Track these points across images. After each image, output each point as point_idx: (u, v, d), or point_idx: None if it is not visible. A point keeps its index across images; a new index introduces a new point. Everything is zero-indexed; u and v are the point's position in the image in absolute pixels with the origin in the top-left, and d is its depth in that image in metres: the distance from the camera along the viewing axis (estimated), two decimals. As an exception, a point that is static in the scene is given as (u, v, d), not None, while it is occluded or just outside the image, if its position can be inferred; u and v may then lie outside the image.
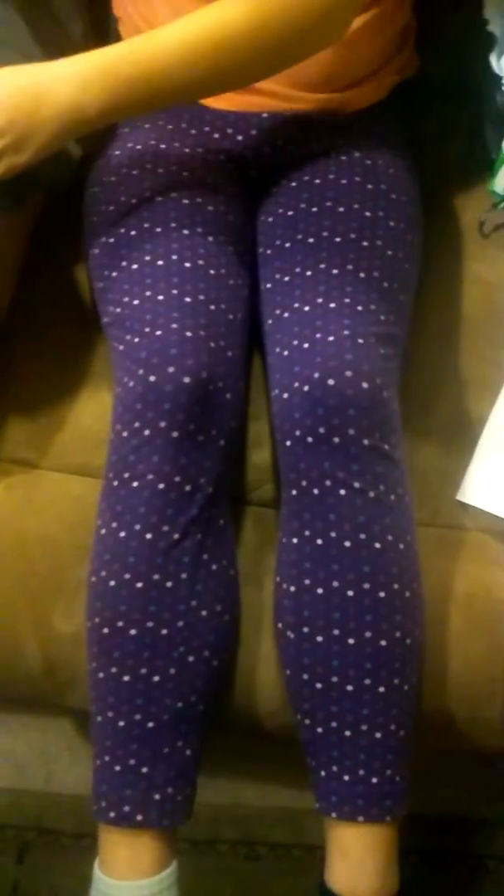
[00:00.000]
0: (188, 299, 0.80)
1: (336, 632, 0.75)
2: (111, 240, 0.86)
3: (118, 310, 0.82)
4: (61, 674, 0.82)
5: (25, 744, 1.23)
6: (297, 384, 0.77)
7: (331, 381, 0.75)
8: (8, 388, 0.90)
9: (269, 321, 0.85)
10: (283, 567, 0.78)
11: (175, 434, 0.76)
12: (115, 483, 0.77)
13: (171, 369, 0.76)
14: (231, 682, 0.82)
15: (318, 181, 0.90)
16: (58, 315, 0.95)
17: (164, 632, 0.75)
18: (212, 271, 0.84)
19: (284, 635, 0.78)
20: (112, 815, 0.75)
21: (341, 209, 0.87)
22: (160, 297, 0.80)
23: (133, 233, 0.85)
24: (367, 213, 0.87)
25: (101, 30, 0.99)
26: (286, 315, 0.83)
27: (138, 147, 0.90)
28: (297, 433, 0.77)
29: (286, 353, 0.81)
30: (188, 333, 0.78)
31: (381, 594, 0.75)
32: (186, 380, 0.76)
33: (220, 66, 0.77)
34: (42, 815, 1.10)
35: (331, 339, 0.78)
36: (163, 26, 0.77)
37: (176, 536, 0.76)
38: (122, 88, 0.75)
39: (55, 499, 0.86)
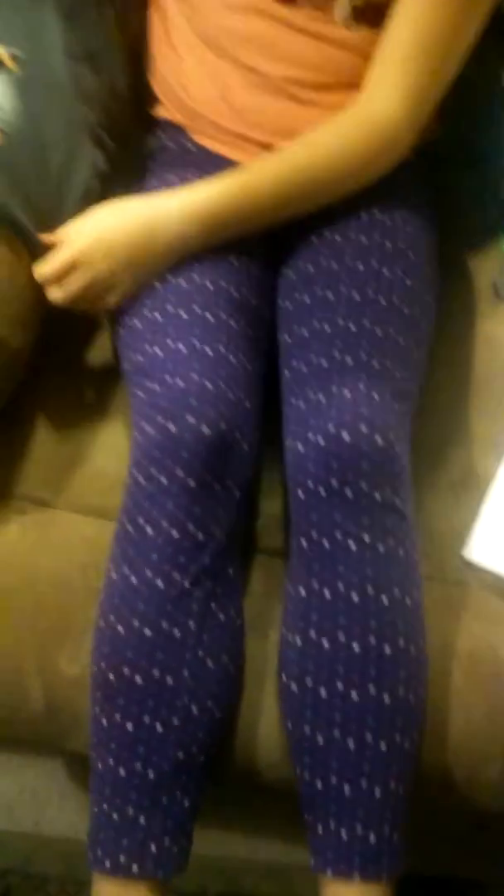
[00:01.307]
0: (209, 351, 0.81)
1: (340, 686, 0.74)
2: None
3: (140, 358, 0.84)
4: (63, 717, 0.82)
5: (15, 784, 1.22)
6: (311, 436, 0.78)
7: (346, 436, 0.76)
8: (27, 425, 0.91)
9: (287, 373, 0.87)
10: (290, 618, 0.79)
11: (191, 483, 0.76)
12: (129, 528, 0.78)
13: (190, 419, 0.77)
14: (232, 733, 0.81)
15: (338, 238, 0.92)
16: (77, 355, 0.97)
17: (170, 681, 0.75)
18: (232, 323, 0.85)
19: (288, 687, 0.78)
20: (108, 864, 0.74)
21: (361, 268, 0.88)
22: (182, 349, 0.81)
23: (157, 283, 0.87)
24: (386, 272, 0.89)
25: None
26: (304, 368, 0.84)
27: None
28: (310, 485, 0.77)
29: (302, 405, 0.82)
30: (209, 385, 0.79)
31: (387, 649, 0.75)
32: (205, 430, 0.77)
33: (306, 201, 0.90)
34: (29, 858, 1.09)
35: (347, 394, 0.79)
36: (258, 166, 0.88)
37: (186, 585, 0.76)
38: (221, 225, 0.88)
39: (69, 539, 0.87)
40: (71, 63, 0.90)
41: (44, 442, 0.92)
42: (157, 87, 1.02)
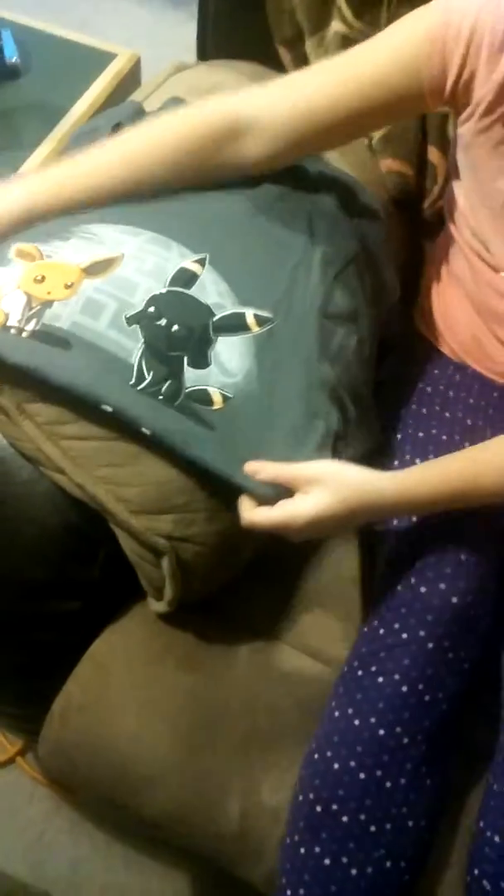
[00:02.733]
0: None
1: None
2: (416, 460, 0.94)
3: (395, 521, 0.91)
4: (251, 843, 0.85)
5: (139, 886, 1.25)
6: None
7: None
8: (271, 559, 0.97)
9: None
10: (491, 814, 0.80)
11: (430, 645, 0.81)
12: (360, 673, 0.82)
13: (441, 586, 0.82)
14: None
15: None
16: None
17: (373, 828, 0.77)
18: None
19: (479, 883, 0.78)
20: None
21: None
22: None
23: None
24: None
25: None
26: None
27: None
28: None
29: None
30: (462, 557, 0.85)
31: None
32: (454, 599, 0.82)
33: None
34: None
35: None
36: (473, 458, 0.84)
37: (405, 741, 0.79)
38: (431, 508, 0.85)
39: (289, 674, 0.92)
40: (324, 322, 0.91)
41: (281, 579, 0.99)
42: (425, 319, 1.12)
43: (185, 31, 1.40)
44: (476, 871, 0.79)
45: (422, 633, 0.81)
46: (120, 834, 1.29)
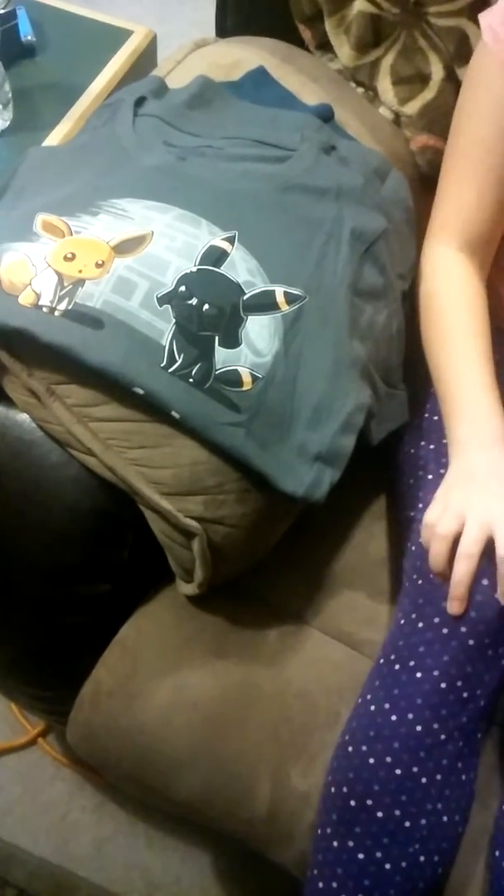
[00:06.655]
0: None
1: None
2: (444, 441, 0.93)
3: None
4: (281, 827, 0.85)
5: (162, 865, 1.25)
6: None
7: None
8: (301, 539, 0.97)
9: None
10: None
11: (471, 642, 0.79)
12: (397, 667, 0.81)
13: (484, 581, 0.80)
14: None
15: None
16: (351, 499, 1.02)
17: (407, 824, 0.77)
18: None
19: (499, 866, 0.79)
20: None
21: None
22: None
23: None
24: None
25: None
26: None
27: None
28: None
29: None
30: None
31: None
32: (501, 599, 0.80)
33: None
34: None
35: None
36: None
37: (442, 737, 0.78)
38: None
39: (318, 659, 0.91)
40: (353, 298, 0.89)
41: (308, 561, 0.98)
42: None
43: (192, 7, 1.36)
44: (497, 854, 0.79)
45: (463, 630, 0.80)
46: (143, 813, 1.30)
